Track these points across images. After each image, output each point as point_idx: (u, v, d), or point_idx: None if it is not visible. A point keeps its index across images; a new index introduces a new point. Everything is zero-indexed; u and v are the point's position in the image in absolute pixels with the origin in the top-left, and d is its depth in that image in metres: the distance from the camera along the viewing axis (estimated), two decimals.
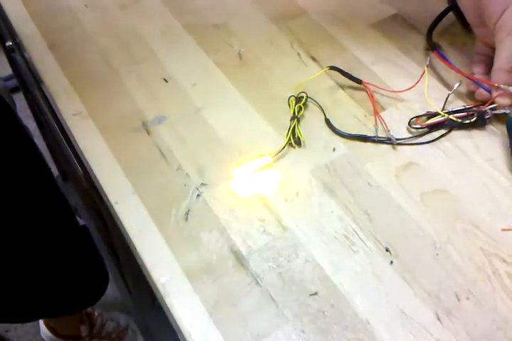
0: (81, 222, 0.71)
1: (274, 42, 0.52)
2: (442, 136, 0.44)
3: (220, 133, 0.45)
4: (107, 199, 0.43)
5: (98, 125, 0.47)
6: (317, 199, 0.41)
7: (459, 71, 0.44)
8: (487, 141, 0.43)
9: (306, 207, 0.40)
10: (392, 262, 0.37)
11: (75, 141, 0.47)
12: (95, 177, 0.44)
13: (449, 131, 0.44)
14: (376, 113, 0.45)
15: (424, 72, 0.45)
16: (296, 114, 0.45)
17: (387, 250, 0.38)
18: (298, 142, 0.44)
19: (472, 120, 0.43)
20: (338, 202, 0.40)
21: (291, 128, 0.44)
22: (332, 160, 0.43)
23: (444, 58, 0.45)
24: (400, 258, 0.38)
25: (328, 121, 0.45)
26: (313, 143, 0.44)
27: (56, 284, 0.68)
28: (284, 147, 0.43)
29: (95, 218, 0.79)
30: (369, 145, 0.44)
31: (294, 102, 0.46)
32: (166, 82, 0.49)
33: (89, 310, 0.90)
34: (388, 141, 0.43)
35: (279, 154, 0.43)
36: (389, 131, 0.43)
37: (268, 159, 0.42)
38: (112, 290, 0.82)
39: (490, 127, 0.44)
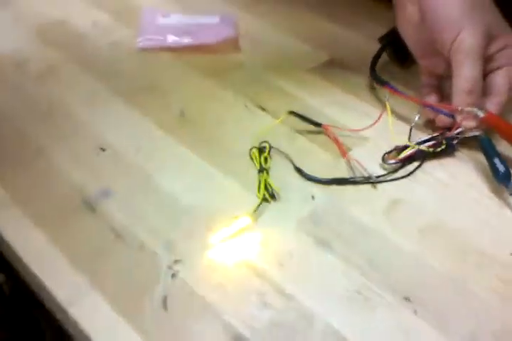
0: None
1: (216, 97, 0.48)
2: (416, 168, 0.42)
3: (181, 199, 0.39)
4: (56, 302, 0.34)
5: (28, 212, 0.38)
6: (314, 257, 0.36)
7: (416, 100, 0.43)
8: (460, 168, 0.42)
9: (305, 269, 0.35)
10: (416, 311, 0.33)
11: None
12: (34, 276, 0.35)
13: (422, 163, 0.42)
14: (345, 154, 0.42)
15: (385, 107, 0.43)
16: (264, 165, 0.40)
17: (406, 299, 0.33)
18: (272, 196, 0.39)
19: (443, 147, 0.42)
20: (337, 255, 0.36)
21: (262, 182, 0.39)
22: (314, 210, 0.38)
23: (397, 91, 0.44)
24: (423, 305, 0.33)
25: (298, 170, 0.41)
26: (289, 195, 0.40)
27: None
28: (260, 204, 0.38)
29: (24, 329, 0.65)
30: (348, 187, 0.40)
31: (257, 154, 0.41)
32: (104, 151, 0.43)
33: None
34: (366, 180, 0.40)
35: (256, 213, 0.38)
36: (366, 169, 0.41)
37: (247, 220, 0.37)
38: None
39: (458, 153, 0.43)
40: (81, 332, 0.32)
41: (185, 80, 0.50)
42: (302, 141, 0.44)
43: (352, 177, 0.40)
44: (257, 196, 0.39)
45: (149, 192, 0.40)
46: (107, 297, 0.33)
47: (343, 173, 0.41)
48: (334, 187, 0.40)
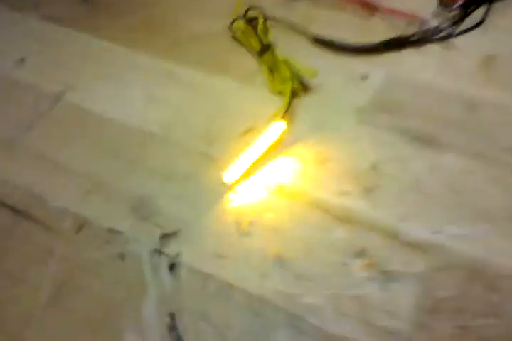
0: None
1: None
2: (487, 12, 0.27)
3: (134, 125, 0.21)
4: None
5: None
6: (420, 165, 0.19)
7: None
8: None
9: (411, 184, 0.19)
10: None
11: None
12: None
13: (490, 5, 0.27)
14: (377, 9, 0.26)
15: None
16: (264, 40, 0.23)
17: None
18: (304, 85, 0.22)
19: None
20: (447, 147, 0.20)
21: (282, 67, 0.21)
22: (377, 93, 0.22)
23: None
24: None
25: (320, 41, 0.24)
26: (326, 80, 0.23)
27: None
28: (289, 101, 0.20)
29: None
30: (406, 52, 0.24)
31: (246, 28, 0.23)
32: None
33: None
34: (432, 35, 0.24)
35: (288, 116, 0.20)
36: (428, 20, 0.25)
37: (281, 125, 0.19)
38: None
39: None
40: None
41: None
42: (304, 5, 0.27)
43: (411, 35, 0.24)
44: (271, 91, 0.22)
45: (67, 124, 0.21)
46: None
47: (384, 34, 0.25)
48: (387, 57, 0.24)
